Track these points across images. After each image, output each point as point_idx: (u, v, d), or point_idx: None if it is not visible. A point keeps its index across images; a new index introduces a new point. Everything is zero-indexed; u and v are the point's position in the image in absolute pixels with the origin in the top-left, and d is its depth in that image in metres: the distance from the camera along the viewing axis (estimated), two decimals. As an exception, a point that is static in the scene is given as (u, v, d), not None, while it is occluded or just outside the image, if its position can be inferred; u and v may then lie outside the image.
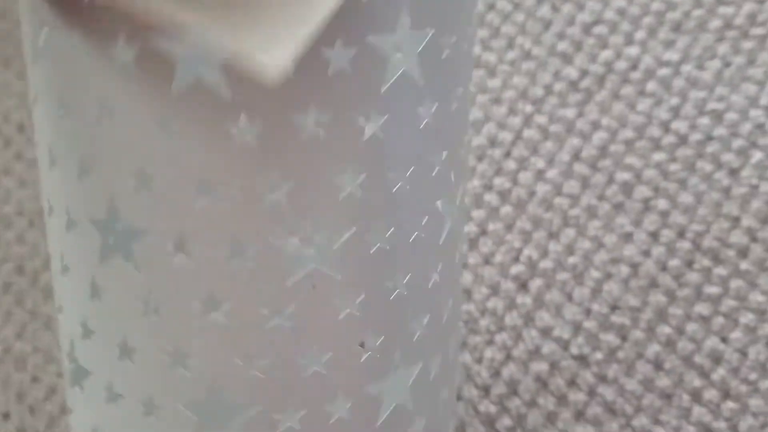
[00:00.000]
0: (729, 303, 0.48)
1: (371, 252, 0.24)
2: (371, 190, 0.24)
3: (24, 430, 0.47)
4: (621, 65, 0.54)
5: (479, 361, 0.48)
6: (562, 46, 0.55)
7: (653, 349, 0.48)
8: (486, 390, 0.48)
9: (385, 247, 0.24)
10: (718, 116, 0.52)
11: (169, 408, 0.25)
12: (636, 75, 0.54)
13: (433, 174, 0.26)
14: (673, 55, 0.54)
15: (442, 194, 0.27)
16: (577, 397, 0.47)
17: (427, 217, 0.26)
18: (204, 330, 0.24)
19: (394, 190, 0.24)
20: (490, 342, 0.48)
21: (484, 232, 0.50)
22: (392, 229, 0.25)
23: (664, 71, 0.54)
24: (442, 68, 0.26)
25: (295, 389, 0.25)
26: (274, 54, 0.20)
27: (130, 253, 0.24)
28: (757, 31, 0.54)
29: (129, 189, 0.23)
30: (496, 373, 0.48)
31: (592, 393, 0.47)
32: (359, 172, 0.24)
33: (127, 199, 0.23)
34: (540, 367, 0.48)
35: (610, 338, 0.48)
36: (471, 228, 0.50)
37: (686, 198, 0.51)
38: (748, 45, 0.54)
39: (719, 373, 0.47)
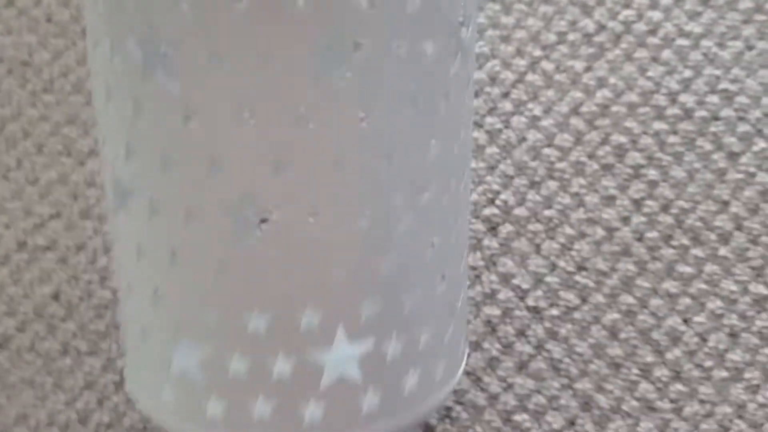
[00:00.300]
0: (699, 286, 0.46)
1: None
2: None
3: None
4: (640, 27, 0.52)
5: (433, 295, 0.46)
6: (584, -4, 0.52)
7: (611, 316, 0.46)
8: (434, 325, 0.46)
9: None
10: (728, 97, 0.50)
11: (207, 214, 0.27)
12: (653, 40, 0.51)
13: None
14: (695, 28, 0.52)
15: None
16: (524, 348, 0.45)
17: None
18: (237, 137, 0.26)
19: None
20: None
21: (464, 167, 0.49)
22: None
23: (682, 42, 0.51)
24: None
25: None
26: None
27: (170, 66, 0.26)
28: (788, 20, 0.52)
29: (165, 6, 0.26)
30: (447, 310, 0.46)
31: (539, 348, 0.46)
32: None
33: (164, 15, 0.26)
34: (492, 311, 0.46)
35: (570, 297, 0.46)
36: (452, 161, 0.49)
37: (678, 173, 0.49)
38: (775, 32, 0.52)
39: (674, 354, 0.45)
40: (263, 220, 0.27)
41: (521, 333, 0.46)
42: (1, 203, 0.47)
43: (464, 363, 0.37)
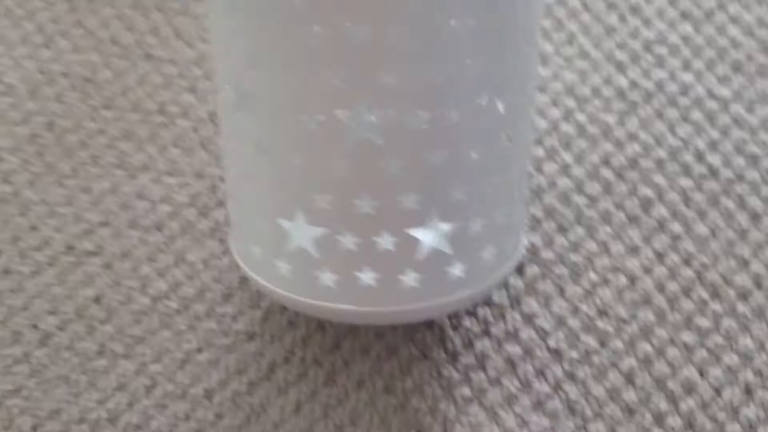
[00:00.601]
0: (716, 339, 0.48)
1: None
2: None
3: (9, 270, 0.48)
4: (672, 88, 0.54)
5: (455, 328, 0.48)
6: (620, 55, 0.55)
7: (629, 362, 0.47)
8: (455, 357, 0.47)
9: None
10: (754, 160, 0.52)
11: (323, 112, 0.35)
12: (684, 101, 0.54)
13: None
14: (726, 92, 0.54)
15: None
16: (542, 387, 0.47)
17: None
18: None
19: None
20: (471, 313, 0.48)
21: (495, 208, 0.51)
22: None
23: (712, 104, 0.54)
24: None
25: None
26: None
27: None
28: (816, 91, 0.54)
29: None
30: (469, 344, 0.48)
31: (557, 388, 0.47)
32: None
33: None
34: (514, 349, 0.47)
35: (590, 341, 0.48)
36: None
37: (702, 229, 0.50)
38: (803, 102, 0.54)
39: (688, 404, 0.46)
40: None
41: (540, 372, 0.47)
42: (53, 208, 0.50)
43: (524, 241, 0.46)
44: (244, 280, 0.48)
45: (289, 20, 0.33)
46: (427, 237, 0.37)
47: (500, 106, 0.37)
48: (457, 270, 0.39)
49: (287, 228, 0.36)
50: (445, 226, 0.36)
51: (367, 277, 0.36)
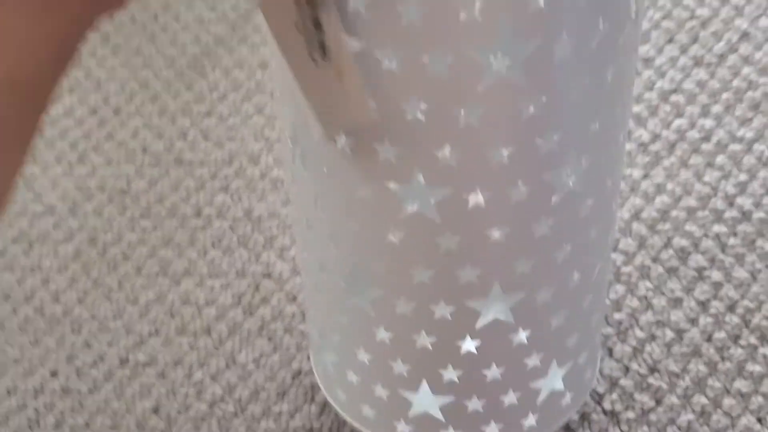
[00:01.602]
0: (771, 384, 0.48)
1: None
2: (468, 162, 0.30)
3: (68, 389, 0.49)
4: (694, 135, 0.55)
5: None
6: (638, 108, 0.56)
7: (686, 417, 0.47)
8: (512, 429, 0.48)
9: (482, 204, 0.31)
10: (785, 198, 0.52)
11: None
12: (707, 146, 0.54)
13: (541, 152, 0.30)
14: (747, 133, 0.54)
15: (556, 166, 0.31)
16: (603, 451, 0.47)
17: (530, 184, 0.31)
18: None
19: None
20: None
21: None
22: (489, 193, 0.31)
23: (736, 147, 0.54)
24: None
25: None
26: None
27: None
28: (837, 122, 0.54)
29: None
30: (524, 414, 0.48)
31: (618, 450, 0.47)
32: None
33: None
34: (570, 415, 0.48)
35: (644, 399, 0.48)
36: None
37: (741, 273, 0.51)
38: (826, 134, 0.54)
39: (751, 453, 0.46)
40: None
41: (598, 435, 0.47)
42: (104, 323, 0.51)
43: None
44: (296, 375, 0.48)
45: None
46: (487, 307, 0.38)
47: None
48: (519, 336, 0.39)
49: (344, 285, 0.37)
50: (508, 298, 0.36)
51: (423, 339, 0.37)
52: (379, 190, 0.31)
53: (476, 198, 0.31)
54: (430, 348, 0.36)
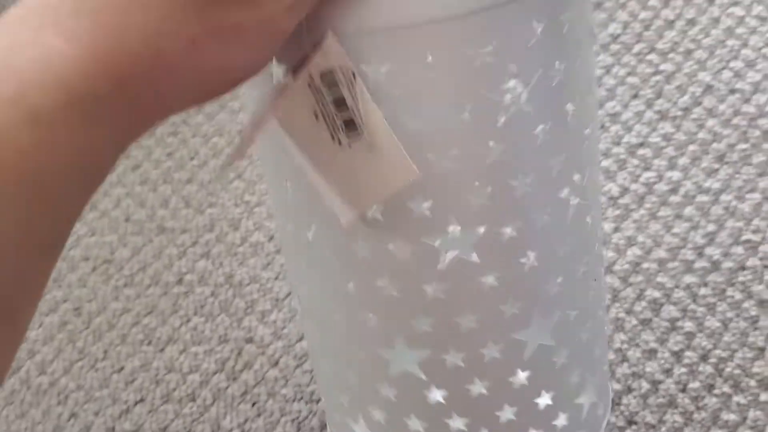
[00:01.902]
0: (746, 432, 0.49)
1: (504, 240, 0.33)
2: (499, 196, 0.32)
3: (55, 461, 0.50)
4: (662, 187, 0.56)
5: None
6: (607, 163, 0.57)
7: (665, 468, 0.48)
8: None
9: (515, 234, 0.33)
10: (752, 247, 0.54)
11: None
12: (675, 198, 0.56)
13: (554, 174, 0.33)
14: (714, 184, 0.56)
15: (565, 186, 0.34)
16: (584, 505, 0.47)
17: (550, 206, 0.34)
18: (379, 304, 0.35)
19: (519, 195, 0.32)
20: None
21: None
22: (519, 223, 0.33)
23: (703, 198, 0.56)
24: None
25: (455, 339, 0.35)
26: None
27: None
28: (800, 170, 0.56)
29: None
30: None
31: (598, 503, 0.48)
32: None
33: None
34: (550, 470, 0.48)
35: (622, 451, 0.49)
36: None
37: (713, 323, 0.52)
38: (789, 182, 0.56)
39: (729, 502, 0.47)
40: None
41: (579, 490, 0.48)
42: (90, 392, 0.52)
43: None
44: (279, 439, 0.49)
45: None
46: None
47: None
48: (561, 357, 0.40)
49: (387, 352, 0.37)
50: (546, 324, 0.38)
51: (476, 387, 0.38)
52: (416, 246, 0.32)
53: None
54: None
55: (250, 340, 0.53)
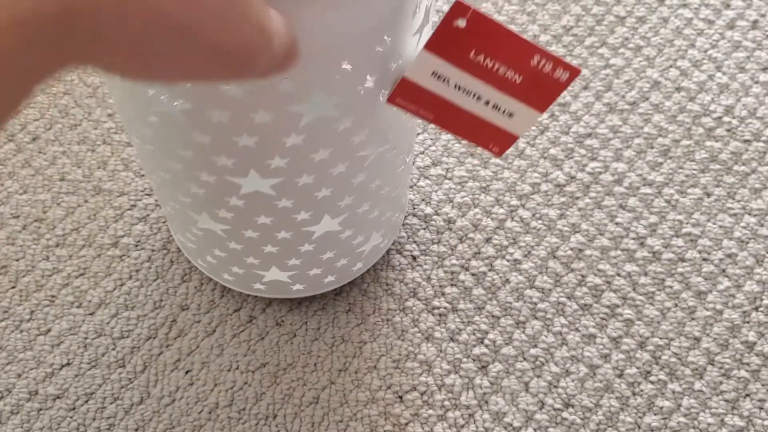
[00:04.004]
0: (679, 419, 0.49)
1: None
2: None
3: (-29, 424, 0.47)
4: (607, 178, 0.57)
5: (428, 434, 0.48)
6: (555, 151, 0.58)
7: (599, 451, 0.48)
8: (430, 464, 0.48)
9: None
10: (692, 240, 0.55)
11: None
12: (619, 189, 0.56)
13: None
14: (657, 177, 0.57)
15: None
16: (518, 485, 0.47)
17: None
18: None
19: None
20: (442, 418, 0.49)
21: (454, 309, 0.52)
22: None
23: (646, 190, 0.57)
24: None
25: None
26: None
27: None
28: (740, 168, 0.57)
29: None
30: (442, 449, 0.48)
31: (533, 484, 0.47)
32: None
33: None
34: None
35: (558, 433, 0.49)
36: (442, 303, 0.52)
37: (651, 312, 0.52)
38: (729, 179, 0.57)
39: (660, 486, 0.48)
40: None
41: (514, 470, 0.48)
42: (13, 353, 0.49)
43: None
44: (213, 409, 0.47)
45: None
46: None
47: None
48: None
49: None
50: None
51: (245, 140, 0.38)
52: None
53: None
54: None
55: (185, 308, 0.51)
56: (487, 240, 0.55)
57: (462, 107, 0.35)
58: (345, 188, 0.40)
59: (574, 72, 0.31)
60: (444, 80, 0.33)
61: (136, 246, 0.53)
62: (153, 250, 0.53)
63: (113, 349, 0.50)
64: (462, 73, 0.33)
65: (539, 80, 0.32)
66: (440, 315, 0.52)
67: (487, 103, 0.34)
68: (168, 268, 0.52)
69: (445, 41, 0.31)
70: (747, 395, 0.50)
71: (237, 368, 0.49)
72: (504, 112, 0.35)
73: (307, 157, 0.36)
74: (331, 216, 0.42)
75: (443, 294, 0.52)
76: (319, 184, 0.38)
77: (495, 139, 0.36)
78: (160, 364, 0.49)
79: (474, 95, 0.34)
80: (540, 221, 0.55)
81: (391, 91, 0.35)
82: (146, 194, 0.56)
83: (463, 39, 0.31)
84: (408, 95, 0.34)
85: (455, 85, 0.33)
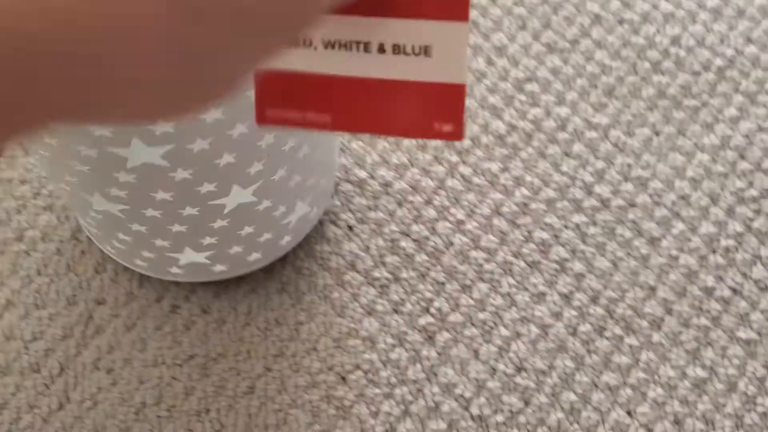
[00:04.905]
0: (638, 375, 0.47)
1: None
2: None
3: None
4: (549, 124, 0.53)
5: (375, 415, 0.45)
6: (493, 99, 0.54)
7: (556, 416, 0.46)
8: (379, 446, 0.45)
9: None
10: (642, 183, 0.51)
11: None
12: (563, 135, 0.53)
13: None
14: (602, 119, 0.53)
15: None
16: (473, 460, 0.45)
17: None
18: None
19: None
20: (389, 395, 0.46)
21: (396, 279, 0.48)
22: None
23: (592, 134, 0.53)
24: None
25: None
26: None
27: None
28: (690, 102, 0.54)
29: None
30: (391, 430, 0.45)
31: (488, 457, 0.45)
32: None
33: None
34: (438, 425, 0.45)
35: (513, 400, 0.46)
36: (383, 274, 0.48)
37: (603, 263, 0.49)
38: (679, 115, 0.54)
39: (622, 448, 0.45)
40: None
41: (468, 444, 0.45)
42: None
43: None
44: (140, 409, 0.44)
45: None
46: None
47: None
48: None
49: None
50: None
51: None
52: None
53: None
54: None
55: (102, 302, 0.47)
56: (428, 202, 0.51)
57: (357, 75, 0.24)
58: (252, 152, 0.36)
59: None
60: (309, 44, 0.23)
61: (43, 238, 0.49)
62: (62, 241, 0.49)
63: (25, 353, 0.46)
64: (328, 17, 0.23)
65: None
66: (381, 287, 0.48)
67: (383, 48, 0.23)
68: (79, 259, 0.48)
69: None
70: (708, 344, 0.47)
71: (163, 363, 0.45)
72: (414, 49, 0.23)
73: (197, 117, 0.32)
74: (241, 186, 0.37)
75: (384, 264, 0.49)
76: (219, 150, 0.34)
77: (433, 109, 0.24)
78: (78, 365, 0.45)
79: (359, 45, 0.23)
80: (482, 177, 0.51)
81: (257, 107, 0.24)
82: (49, 180, 0.51)
83: None
84: (280, 97, 0.24)
85: (327, 43, 0.23)
